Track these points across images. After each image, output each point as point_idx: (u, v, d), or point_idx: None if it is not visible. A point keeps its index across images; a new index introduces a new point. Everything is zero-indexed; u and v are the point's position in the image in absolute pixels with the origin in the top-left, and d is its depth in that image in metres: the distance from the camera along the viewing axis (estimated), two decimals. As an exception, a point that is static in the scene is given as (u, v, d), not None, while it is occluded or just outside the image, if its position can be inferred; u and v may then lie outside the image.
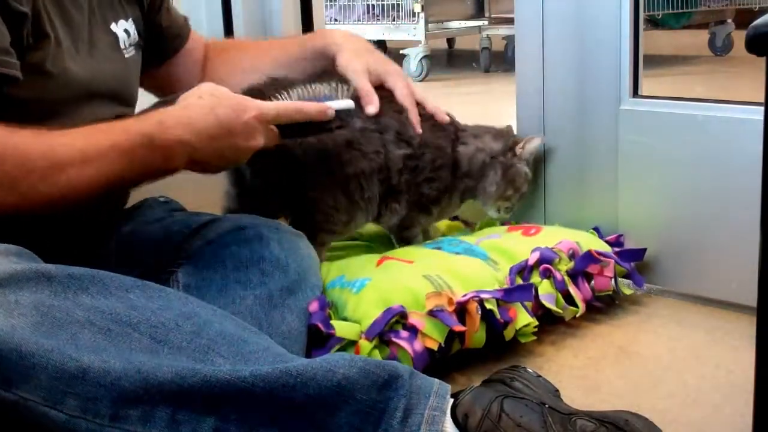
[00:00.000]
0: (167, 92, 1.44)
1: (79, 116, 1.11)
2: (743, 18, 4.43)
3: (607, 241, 1.49)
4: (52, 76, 1.07)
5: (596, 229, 1.53)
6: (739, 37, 3.76)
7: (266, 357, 0.91)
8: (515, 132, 1.60)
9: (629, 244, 1.51)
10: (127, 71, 1.24)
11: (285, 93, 1.31)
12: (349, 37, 1.43)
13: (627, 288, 1.46)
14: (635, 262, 1.48)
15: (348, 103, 1.26)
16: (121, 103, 1.23)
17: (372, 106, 1.38)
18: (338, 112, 1.22)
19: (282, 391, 0.87)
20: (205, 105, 1.09)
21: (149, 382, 0.84)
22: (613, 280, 1.42)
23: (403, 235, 1.54)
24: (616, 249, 1.47)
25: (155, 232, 1.25)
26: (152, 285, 0.96)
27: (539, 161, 1.61)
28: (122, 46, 1.22)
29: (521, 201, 1.55)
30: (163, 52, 1.38)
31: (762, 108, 0.82)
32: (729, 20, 4.50)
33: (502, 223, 1.64)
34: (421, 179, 1.47)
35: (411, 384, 0.92)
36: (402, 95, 1.41)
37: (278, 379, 0.87)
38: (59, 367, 0.83)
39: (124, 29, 1.23)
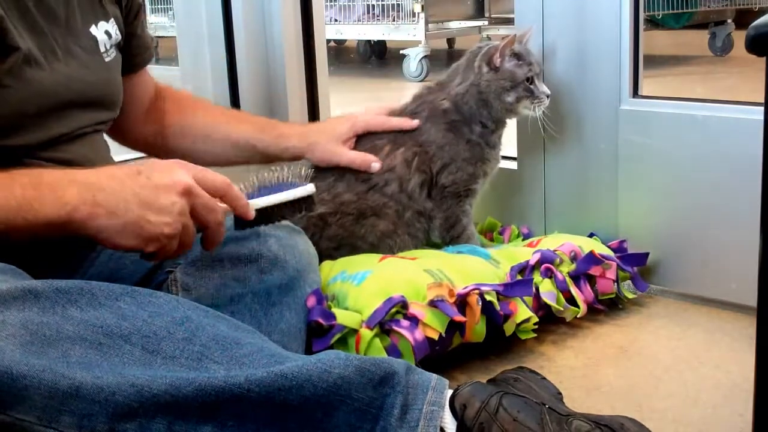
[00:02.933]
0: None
1: (53, 127, 1.09)
2: (743, 18, 4.43)
3: (609, 247, 1.49)
4: (10, 89, 1.03)
5: (593, 235, 1.53)
6: (739, 37, 3.76)
7: (260, 359, 0.90)
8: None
9: (630, 246, 1.51)
10: (107, 75, 1.21)
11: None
12: (305, 135, 1.46)
13: (629, 292, 1.46)
14: (638, 266, 1.48)
15: (309, 189, 1.14)
16: (104, 109, 1.21)
17: (374, 164, 1.45)
18: (302, 200, 1.13)
19: (278, 395, 0.86)
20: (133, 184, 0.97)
21: (143, 395, 0.84)
22: (615, 283, 1.42)
23: (451, 234, 1.52)
24: (619, 254, 1.47)
25: None
26: (142, 290, 0.94)
27: (540, 159, 1.61)
28: (102, 50, 1.19)
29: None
30: (128, 63, 1.32)
31: (762, 108, 0.82)
32: (729, 20, 4.51)
33: (500, 232, 1.64)
34: (434, 173, 1.48)
35: (408, 380, 0.93)
36: (380, 124, 1.48)
37: (273, 382, 0.86)
38: (52, 387, 0.82)
39: (104, 31, 1.20)
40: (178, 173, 0.97)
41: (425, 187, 1.48)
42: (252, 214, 1.06)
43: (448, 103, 1.50)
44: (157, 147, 1.43)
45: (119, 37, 1.24)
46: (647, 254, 1.48)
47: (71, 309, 0.88)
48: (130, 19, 1.29)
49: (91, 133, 1.19)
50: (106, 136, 1.28)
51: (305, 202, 1.13)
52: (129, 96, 1.32)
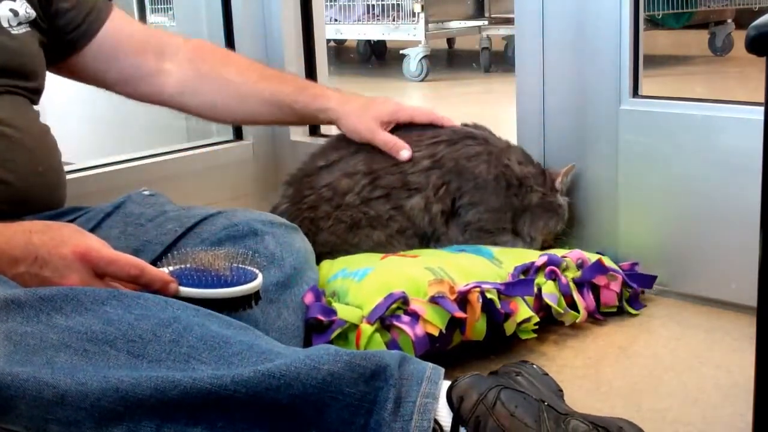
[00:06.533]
0: (95, 81, 1.37)
1: None
2: (743, 18, 4.43)
3: (621, 267, 1.47)
4: None
5: (601, 254, 1.52)
6: (739, 37, 3.77)
7: (250, 356, 0.89)
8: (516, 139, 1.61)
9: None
10: (15, 45, 1.22)
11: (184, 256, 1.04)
12: (345, 100, 1.45)
13: (631, 308, 1.45)
14: (643, 287, 1.47)
15: (253, 287, 1.01)
16: (12, 76, 1.21)
17: (404, 151, 1.43)
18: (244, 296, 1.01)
19: (266, 394, 0.86)
20: (26, 227, 1.00)
21: (129, 399, 0.83)
22: (619, 296, 1.41)
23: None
24: (627, 273, 1.46)
25: (148, 233, 1.23)
26: (129, 293, 0.94)
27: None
28: (6, 25, 1.21)
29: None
30: (74, 39, 1.33)
31: (762, 108, 0.82)
32: (729, 20, 4.51)
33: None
34: (457, 207, 1.47)
35: (401, 372, 0.92)
36: (425, 116, 1.47)
37: (260, 382, 0.86)
38: (36, 396, 0.82)
39: (9, 9, 1.22)
40: (71, 276, 0.97)
41: (445, 215, 1.47)
42: (173, 292, 0.98)
43: (515, 169, 1.49)
44: (181, 104, 1.43)
45: (30, 14, 1.25)
46: (655, 277, 1.47)
47: (56, 316, 0.88)
48: (47, 3, 1.30)
49: (5, 94, 1.19)
50: None
51: (247, 297, 1.01)
52: (110, 60, 1.34)
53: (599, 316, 1.41)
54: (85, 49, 1.34)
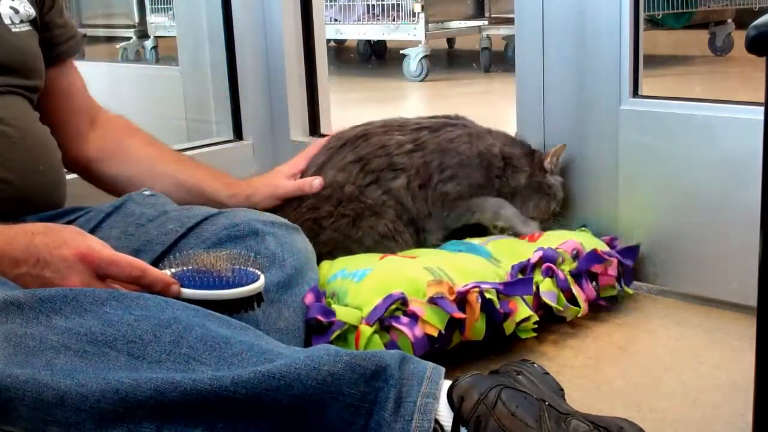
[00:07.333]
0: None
1: None
2: (743, 18, 4.43)
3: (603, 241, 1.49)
4: None
5: (584, 227, 1.54)
6: (739, 37, 3.77)
7: (250, 357, 0.89)
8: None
9: (627, 243, 1.51)
10: (15, 41, 1.23)
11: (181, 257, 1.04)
12: (249, 182, 1.50)
13: (629, 288, 1.45)
14: (629, 260, 1.47)
15: (256, 287, 1.01)
16: (16, 75, 1.22)
17: (315, 181, 1.45)
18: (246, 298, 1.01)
19: (266, 395, 0.86)
20: (27, 229, 1.01)
21: (128, 401, 0.83)
22: (616, 279, 1.41)
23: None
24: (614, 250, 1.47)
25: (149, 233, 1.23)
26: (129, 293, 0.94)
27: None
28: (8, 22, 1.22)
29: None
30: (53, 52, 1.34)
31: (762, 108, 0.82)
32: (729, 20, 4.51)
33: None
34: (436, 181, 1.48)
35: (402, 372, 0.92)
36: (316, 147, 1.52)
37: (260, 383, 0.86)
38: (36, 398, 0.82)
39: (9, 6, 1.22)
40: (72, 277, 0.97)
41: (423, 189, 1.47)
42: (175, 294, 0.99)
43: (498, 149, 1.51)
44: (98, 171, 1.43)
45: (30, 13, 1.25)
46: (638, 246, 1.48)
47: (56, 318, 0.88)
48: (45, 10, 1.31)
49: (5, 94, 1.20)
50: None
51: (249, 299, 1.01)
52: (58, 98, 1.33)
53: (602, 302, 1.41)
54: (53, 70, 1.34)
